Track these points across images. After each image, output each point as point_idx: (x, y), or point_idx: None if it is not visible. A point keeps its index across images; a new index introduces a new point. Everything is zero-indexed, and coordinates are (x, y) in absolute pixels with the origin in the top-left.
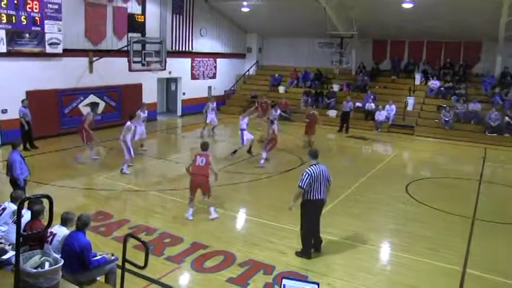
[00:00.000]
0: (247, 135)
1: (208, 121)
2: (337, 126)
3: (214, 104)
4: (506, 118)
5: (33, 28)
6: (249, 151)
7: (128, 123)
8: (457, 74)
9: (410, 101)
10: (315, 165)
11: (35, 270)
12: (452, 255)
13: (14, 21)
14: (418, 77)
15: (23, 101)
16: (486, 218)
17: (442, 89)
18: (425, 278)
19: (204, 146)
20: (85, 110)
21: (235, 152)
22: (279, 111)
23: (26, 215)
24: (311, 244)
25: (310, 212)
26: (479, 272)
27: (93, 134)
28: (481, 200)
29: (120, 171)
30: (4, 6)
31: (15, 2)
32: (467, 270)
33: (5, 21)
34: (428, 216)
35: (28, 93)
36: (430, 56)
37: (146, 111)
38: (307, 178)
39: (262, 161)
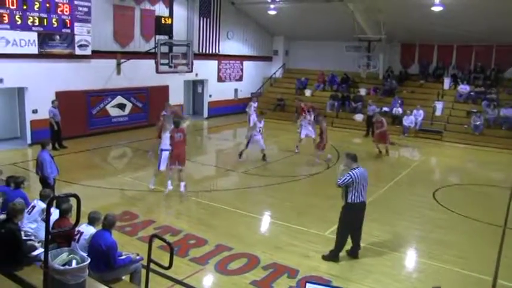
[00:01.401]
0: (261, 140)
1: (252, 124)
2: (364, 131)
3: (256, 103)
4: None
5: (63, 30)
6: (241, 154)
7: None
8: (488, 79)
9: (439, 105)
10: (356, 168)
11: (62, 267)
12: (481, 264)
13: (45, 23)
14: (447, 82)
15: (53, 102)
16: None
17: (472, 93)
18: (452, 287)
19: (177, 124)
20: (112, 111)
21: (264, 157)
22: (313, 116)
23: (55, 214)
24: (342, 248)
25: (351, 215)
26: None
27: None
28: None
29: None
30: (37, 9)
31: (47, 5)
32: (498, 281)
33: (37, 23)
34: (456, 224)
35: (58, 94)
36: (459, 60)
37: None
38: (348, 180)
39: (317, 160)
